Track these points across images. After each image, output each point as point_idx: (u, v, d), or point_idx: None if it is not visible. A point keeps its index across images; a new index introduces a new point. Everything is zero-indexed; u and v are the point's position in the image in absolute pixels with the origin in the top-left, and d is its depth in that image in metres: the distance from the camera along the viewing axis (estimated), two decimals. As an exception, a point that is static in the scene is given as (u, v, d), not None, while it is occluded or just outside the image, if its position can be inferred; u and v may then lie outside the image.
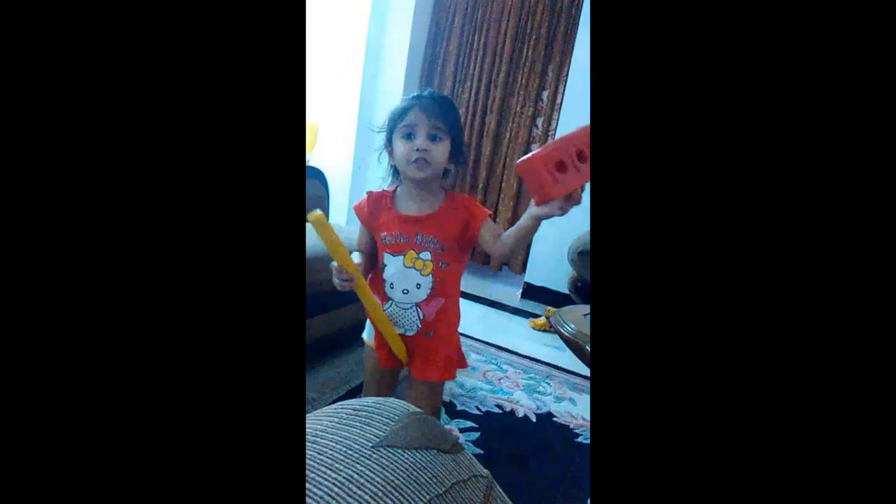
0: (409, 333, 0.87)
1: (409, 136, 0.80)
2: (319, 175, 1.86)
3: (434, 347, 0.88)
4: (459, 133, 0.85)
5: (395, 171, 0.88)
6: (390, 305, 0.86)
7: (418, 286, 0.84)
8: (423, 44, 2.92)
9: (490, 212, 0.88)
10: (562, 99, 2.58)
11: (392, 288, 0.85)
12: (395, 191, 0.88)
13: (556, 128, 2.59)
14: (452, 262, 0.85)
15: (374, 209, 0.87)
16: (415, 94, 0.84)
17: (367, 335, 0.94)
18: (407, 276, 0.84)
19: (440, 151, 0.81)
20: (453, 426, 1.26)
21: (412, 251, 0.83)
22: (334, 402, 1.18)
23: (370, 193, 0.89)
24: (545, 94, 2.73)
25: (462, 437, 1.22)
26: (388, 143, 0.85)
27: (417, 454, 0.28)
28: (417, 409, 0.34)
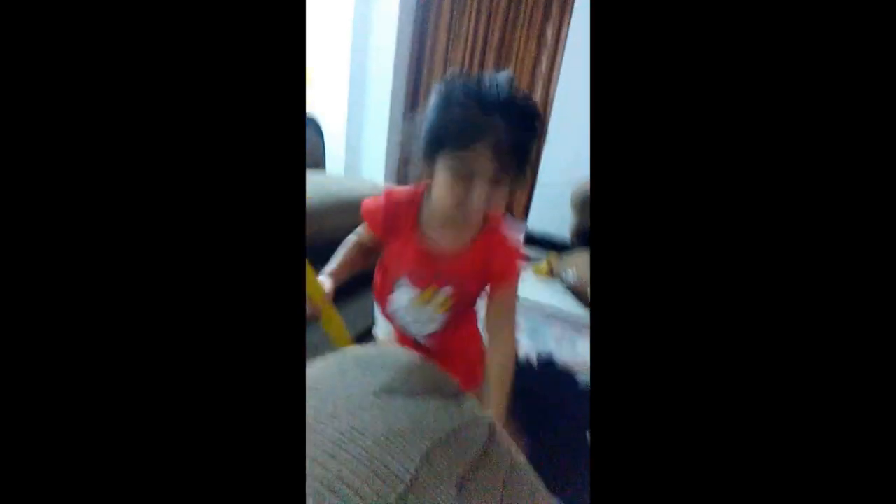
0: (420, 341, 0.75)
1: (463, 180, 0.53)
2: (314, 124, 1.78)
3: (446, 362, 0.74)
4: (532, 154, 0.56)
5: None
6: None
7: (431, 320, 0.69)
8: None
9: (517, 275, 0.64)
10: (562, 58, 2.42)
11: (396, 315, 0.71)
12: (422, 197, 0.63)
13: (560, 67, 2.45)
14: (470, 301, 0.69)
15: (392, 221, 0.64)
16: (487, 100, 0.51)
17: (383, 332, 0.81)
18: (419, 313, 0.68)
19: (497, 198, 0.55)
20: (457, 369, 1.30)
21: (433, 287, 0.65)
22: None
23: (390, 195, 0.65)
24: (549, 29, 2.55)
25: (466, 379, 1.27)
26: (428, 157, 0.56)
27: (419, 400, 0.28)
28: (418, 356, 0.33)
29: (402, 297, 0.67)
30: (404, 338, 0.76)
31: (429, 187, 0.61)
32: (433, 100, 0.55)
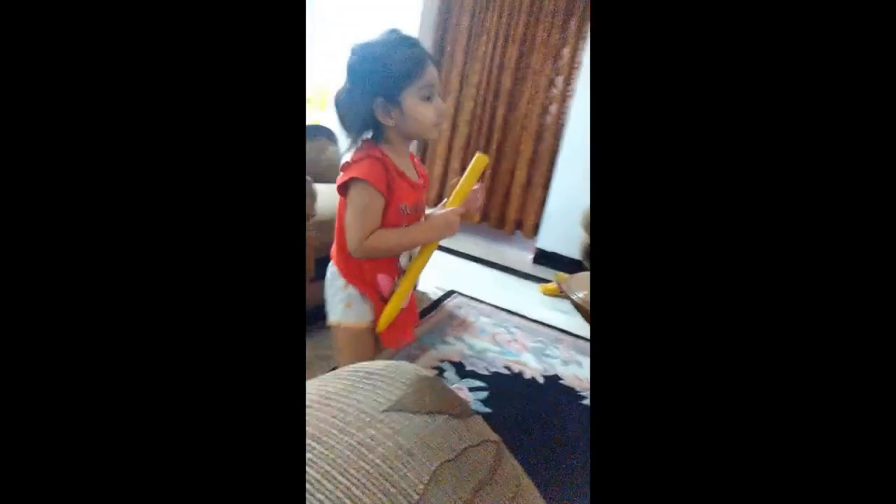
0: (404, 304, 0.84)
1: (428, 98, 0.73)
2: (329, 134, 1.82)
3: (408, 313, 0.88)
4: None
5: (373, 127, 0.76)
6: (403, 276, 0.83)
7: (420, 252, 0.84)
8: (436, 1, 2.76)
9: None
10: (582, 56, 2.45)
11: (409, 259, 0.84)
12: (382, 153, 0.76)
13: (575, 88, 2.48)
14: None
15: (388, 177, 0.75)
16: (408, 41, 0.73)
17: (356, 316, 0.81)
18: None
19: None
20: (462, 385, 1.29)
21: (423, 218, 0.82)
22: (332, 369, 1.19)
23: (376, 159, 0.74)
24: (565, 50, 2.59)
25: (472, 397, 1.25)
26: (392, 101, 0.72)
27: (428, 419, 0.28)
28: (428, 373, 0.34)
29: None
30: (383, 305, 0.82)
31: (389, 129, 0.76)
32: (368, 61, 0.71)
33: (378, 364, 0.34)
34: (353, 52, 0.73)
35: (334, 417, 0.27)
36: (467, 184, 0.80)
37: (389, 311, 0.80)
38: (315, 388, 0.31)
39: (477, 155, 0.80)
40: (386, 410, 0.28)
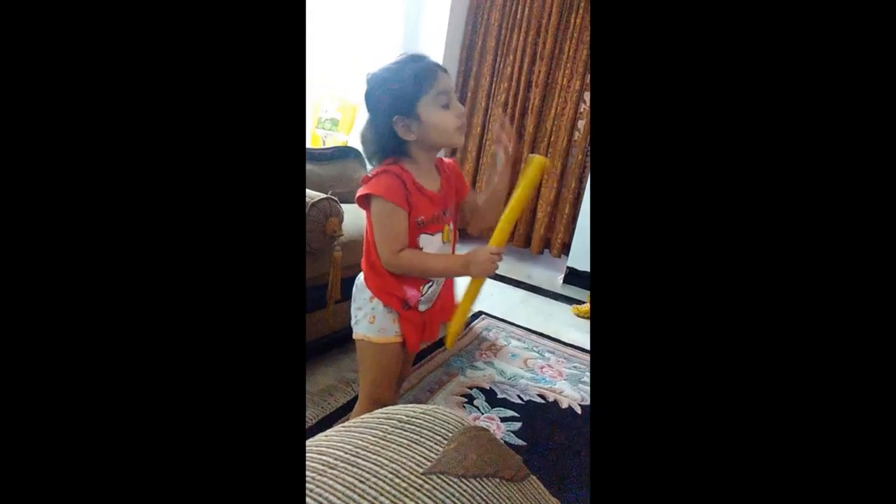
0: (428, 307, 0.84)
1: (446, 106, 0.73)
2: (358, 155, 1.83)
3: (437, 314, 0.87)
4: None
5: (396, 146, 0.75)
6: (430, 286, 0.82)
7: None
8: (463, 16, 2.79)
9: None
10: None
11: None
12: (402, 168, 0.76)
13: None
14: (453, 222, 0.86)
15: (406, 193, 0.75)
16: (414, 57, 0.74)
17: (380, 331, 0.81)
18: (444, 252, 0.83)
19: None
20: (493, 414, 1.22)
21: (446, 226, 0.82)
22: (338, 409, 1.15)
23: (393, 175, 0.74)
24: (587, 91, 2.56)
25: (504, 427, 1.18)
26: (410, 115, 0.72)
27: (477, 485, 0.23)
28: (472, 424, 0.29)
29: (431, 246, 0.79)
30: (411, 318, 0.81)
31: (407, 148, 0.76)
32: (380, 85, 0.74)
33: (414, 410, 0.29)
34: (366, 82, 0.76)
35: (364, 482, 0.22)
36: (524, 195, 0.74)
37: (454, 328, 0.80)
38: (341, 438, 0.26)
39: (532, 157, 0.73)
40: (426, 473, 0.23)
